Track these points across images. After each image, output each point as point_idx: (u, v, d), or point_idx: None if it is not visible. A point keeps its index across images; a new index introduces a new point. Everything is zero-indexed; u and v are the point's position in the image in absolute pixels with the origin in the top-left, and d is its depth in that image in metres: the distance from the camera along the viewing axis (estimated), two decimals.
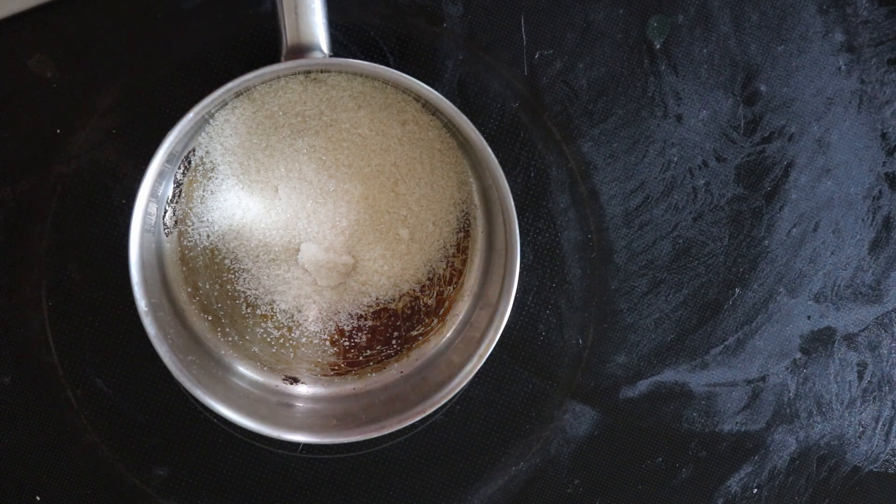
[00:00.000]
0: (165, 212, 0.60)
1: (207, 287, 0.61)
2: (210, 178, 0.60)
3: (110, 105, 0.61)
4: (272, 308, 0.61)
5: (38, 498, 0.62)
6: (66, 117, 0.61)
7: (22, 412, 0.62)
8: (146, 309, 0.55)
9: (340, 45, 0.62)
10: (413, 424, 0.59)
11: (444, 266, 0.62)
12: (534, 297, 0.64)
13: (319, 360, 0.62)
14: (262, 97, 0.59)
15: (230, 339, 0.62)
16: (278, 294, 0.61)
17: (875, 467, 0.67)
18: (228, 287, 0.61)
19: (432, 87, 0.56)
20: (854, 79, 0.65)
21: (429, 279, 0.62)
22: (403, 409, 0.59)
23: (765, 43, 0.64)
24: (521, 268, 0.58)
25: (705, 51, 0.64)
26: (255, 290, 0.61)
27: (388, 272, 0.61)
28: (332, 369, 0.62)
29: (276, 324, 0.61)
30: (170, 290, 0.60)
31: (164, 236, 0.60)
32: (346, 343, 0.62)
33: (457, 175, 0.61)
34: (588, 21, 0.63)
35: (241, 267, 0.61)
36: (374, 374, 0.63)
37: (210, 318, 0.61)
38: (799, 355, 0.66)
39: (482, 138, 0.56)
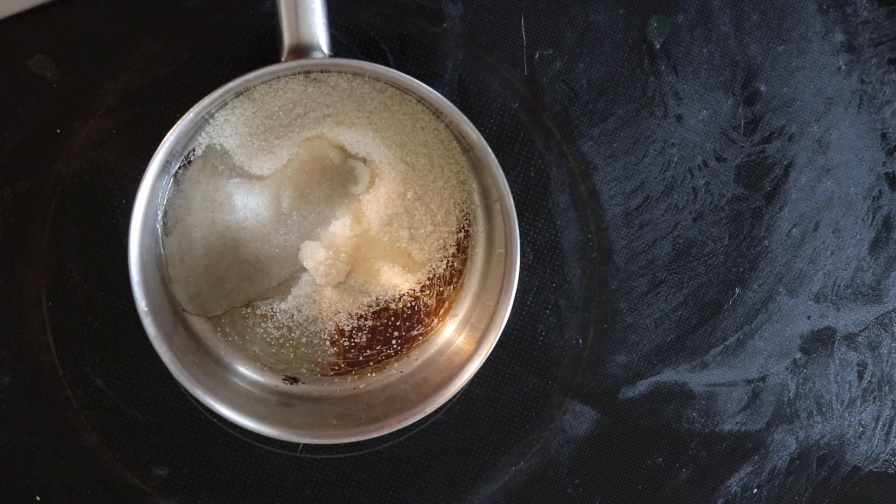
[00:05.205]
0: (166, 212, 0.60)
1: None
2: (210, 177, 0.60)
3: (110, 105, 0.61)
4: (272, 308, 0.61)
5: (38, 498, 0.62)
6: (66, 117, 0.61)
7: (22, 412, 0.62)
8: (146, 309, 0.55)
9: (340, 45, 0.62)
10: (413, 424, 0.59)
11: (444, 266, 0.62)
12: (534, 297, 0.64)
13: (319, 360, 0.62)
14: (262, 97, 0.59)
15: (230, 339, 0.62)
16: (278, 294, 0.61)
17: (875, 467, 0.67)
18: None
19: (432, 87, 0.56)
20: (854, 79, 0.65)
21: (429, 279, 0.62)
22: (403, 409, 0.59)
23: (765, 43, 0.64)
24: (521, 268, 0.58)
25: (705, 51, 0.64)
26: None
27: (389, 272, 0.61)
28: (332, 369, 0.62)
29: (276, 324, 0.61)
30: (170, 290, 0.60)
31: (165, 236, 0.60)
32: (346, 343, 0.62)
33: (457, 175, 0.61)
34: (588, 21, 0.63)
35: None
36: (374, 374, 0.62)
37: (210, 318, 0.61)
38: (799, 355, 0.66)
39: (482, 138, 0.56)
